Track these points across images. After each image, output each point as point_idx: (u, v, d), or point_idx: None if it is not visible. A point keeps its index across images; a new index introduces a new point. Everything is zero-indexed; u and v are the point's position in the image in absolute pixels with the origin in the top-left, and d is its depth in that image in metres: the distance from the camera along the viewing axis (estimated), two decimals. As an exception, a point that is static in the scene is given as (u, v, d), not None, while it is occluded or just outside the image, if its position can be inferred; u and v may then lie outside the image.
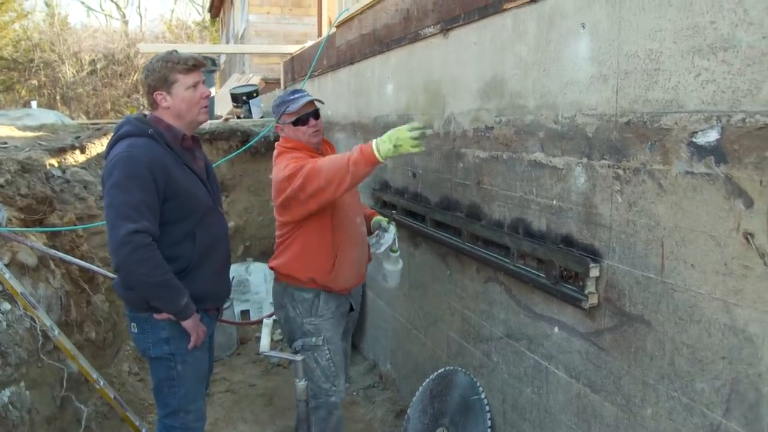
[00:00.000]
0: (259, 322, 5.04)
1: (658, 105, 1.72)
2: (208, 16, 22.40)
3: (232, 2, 14.78)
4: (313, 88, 6.06)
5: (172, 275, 2.32)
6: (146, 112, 2.57)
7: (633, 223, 1.84)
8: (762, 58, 1.43)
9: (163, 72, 2.43)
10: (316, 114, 2.90)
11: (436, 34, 3.15)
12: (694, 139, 1.62)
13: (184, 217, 2.43)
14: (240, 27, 12.66)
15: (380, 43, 4.01)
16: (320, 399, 2.91)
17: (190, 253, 2.45)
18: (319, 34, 7.52)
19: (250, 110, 7.16)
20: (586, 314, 2.06)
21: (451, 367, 3.07)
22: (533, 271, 2.31)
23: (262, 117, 7.11)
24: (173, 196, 2.36)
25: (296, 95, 2.88)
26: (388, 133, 2.44)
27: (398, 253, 3.06)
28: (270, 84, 10.07)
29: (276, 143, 2.95)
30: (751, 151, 1.46)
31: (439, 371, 3.15)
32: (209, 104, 2.63)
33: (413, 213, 3.48)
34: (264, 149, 5.91)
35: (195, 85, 2.47)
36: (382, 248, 2.99)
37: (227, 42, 16.15)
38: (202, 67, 2.54)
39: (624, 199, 1.87)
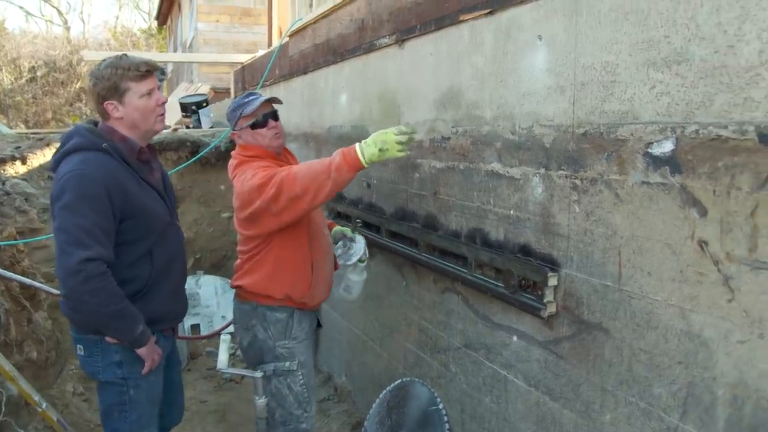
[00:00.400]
0: (214, 335, 4.94)
1: (615, 116, 1.76)
2: (154, 24, 21.98)
3: (180, 10, 14.54)
4: (264, 98, 5.99)
5: (126, 303, 2.17)
6: (96, 121, 2.39)
7: (590, 233, 1.87)
8: (714, 71, 1.47)
9: (114, 80, 2.24)
10: (274, 115, 2.75)
11: (391, 44, 3.16)
12: (649, 150, 1.65)
13: (142, 236, 2.28)
14: (188, 35, 12.46)
15: (334, 53, 4.00)
16: (290, 426, 2.74)
17: (147, 274, 2.31)
18: (270, 44, 7.47)
19: (199, 120, 7.03)
20: (544, 323, 2.08)
21: (409, 378, 3.05)
22: (491, 281, 2.32)
23: (211, 127, 6.99)
24: (131, 215, 2.21)
25: (251, 97, 2.73)
26: (373, 136, 2.33)
27: (365, 263, 3.00)
28: (219, 93, 9.92)
29: (233, 152, 2.77)
30: (705, 161, 1.50)
31: (396, 382, 3.12)
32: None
33: (368, 224, 3.46)
34: (215, 159, 5.80)
35: (150, 93, 2.30)
36: (353, 259, 2.91)
37: (175, 50, 15.87)
38: (157, 71, 2.38)
39: (581, 208, 1.90)
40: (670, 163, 1.59)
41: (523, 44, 2.13)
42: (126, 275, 2.21)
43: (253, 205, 2.45)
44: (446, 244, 2.63)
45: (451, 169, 2.64)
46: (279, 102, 2.80)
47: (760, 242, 1.39)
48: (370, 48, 3.41)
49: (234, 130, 2.75)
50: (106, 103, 2.27)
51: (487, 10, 2.32)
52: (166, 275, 2.39)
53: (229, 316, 5.23)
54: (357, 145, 2.33)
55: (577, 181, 1.91)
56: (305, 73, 4.68)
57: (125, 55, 2.37)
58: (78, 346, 2.35)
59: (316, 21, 4.36)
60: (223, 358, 2.49)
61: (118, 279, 2.15)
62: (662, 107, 1.61)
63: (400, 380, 3.12)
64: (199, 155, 5.46)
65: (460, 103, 2.56)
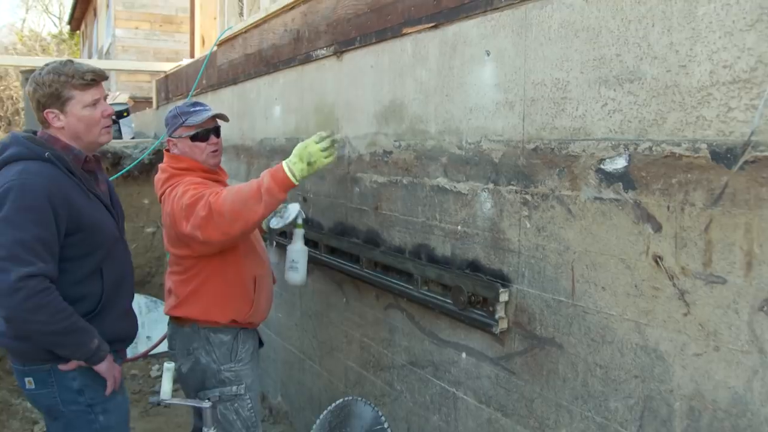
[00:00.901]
0: (147, 354, 4.70)
1: (566, 132, 1.77)
2: (66, 29, 20.99)
3: (95, 15, 13.93)
4: (190, 109, 5.79)
5: (76, 317, 2.01)
6: (35, 130, 2.22)
7: (542, 248, 1.87)
8: (666, 90, 1.50)
9: (55, 87, 2.10)
10: (217, 131, 2.63)
11: (329, 56, 3.10)
12: (602, 166, 1.67)
13: (90, 252, 2.13)
14: (105, 41, 11.94)
15: (267, 63, 3.90)
16: None
17: (97, 292, 2.15)
18: (192, 53, 7.25)
19: (119, 130, 6.72)
20: (495, 339, 2.06)
21: (351, 397, 2.97)
22: (439, 297, 2.29)
23: (133, 137, 6.70)
24: (77, 229, 2.06)
25: (198, 107, 2.58)
26: (296, 150, 2.23)
27: (303, 230, 2.89)
28: (138, 102, 9.54)
29: (161, 165, 2.60)
30: (659, 178, 1.52)
31: (338, 402, 3.04)
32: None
33: (305, 239, 3.37)
34: (137, 172, 5.54)
35: (95, 103, 2.16)
36: (289, 219, 2.80)
37: (90, 57, 15.16)
38: (104, 80, 2.23)
39: (532, 224, 1.90)
40: (624, 179, 1.61)
41: (470, 59, 2.13)
42: (74, 293, 2.05)
43: (181, 227, 2.30)
44: (390, 260, 2.58)
45: (394, 184, 2.60)
46: (226, 119, 2.68)
47: (714, 257, 1.42)
48: (306, 59, 3.34)
49: (171, 136, 2.58)
50: (46, 111, 2.13)
51: (432, 24, 2.30)
52: (117, 293, 2.23)
53: (155, 337, 4.99)
54: (283, 163, 2.22)
55: (528, 197, 1.91)
56: (235, 83, 4.54)
57: (70, 61, 2.20)
58: (25, 379, 2.13)
59: (247, 30, 4.25)
60: (166, 388, 2.26)
61: (66, 298, 1.99)
62: (615, 124, 1.63)
63: (341, 399, 3.03)
64: (127, 168, 5.20)
65: (403, 116, 2.52)
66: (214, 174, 2.61)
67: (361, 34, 2.79)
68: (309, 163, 2.20)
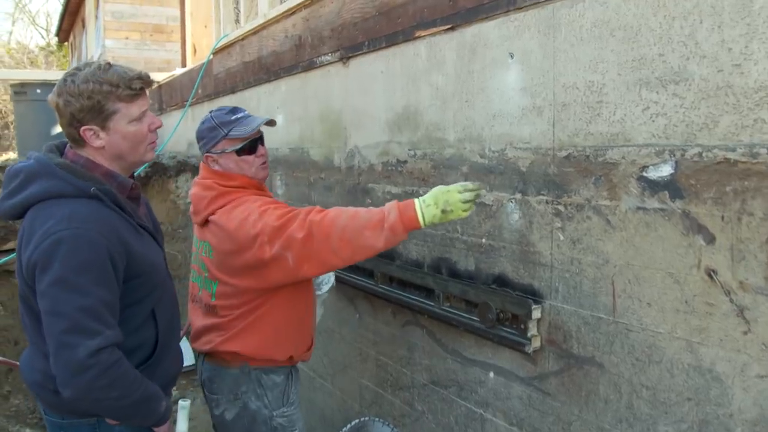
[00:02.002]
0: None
1: (603, 138, 1.66)
2: (54, 41, 20.80)
3: (84, 26, 13.79)
4: (186, 119, 5.68)
5: (146, 383, 1.74)
6: (59, 146, 1.87)
7: (578, 261, 1.76)
8: (717, 92, 1.39)
9: (96, 99, 1.73)
10: (263, 140, 2.28)
11: (334, 62, 2.99)
12: (645, 174, 1.56)
13: (145, 296, 1.83)
14: (95, 52, 11.80)
15: (267, 71, 3.79)
16: None
17: (152, 338, 1.87)
18: (183, 62, 7.13)
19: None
20: (527, 358, 1.95)
21: (368, 417, 2.86)
22: (463, 315, 2.17)
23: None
24: (134, 276, 1.77)
25: (240, 114, 2.21)
26: (434, 193, 1.88)
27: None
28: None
29: (201, 179, 2.24)
30: (710, 186, 1.42)
31: (353, 422, 2.92)
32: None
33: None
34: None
35: (141, 116, 1.81)
36: (325, 288, 2.65)
37: (78, 69, 15.00)
38: (151, 86, 1.90)
39: (566, 236, 1.80)
40: (670, 187, 1.51)
41: (492, 62, 2.02)
42: (129, 345, 1.77)
43: (262, 252, 1.97)
44: (407, 275, 2.47)
45: (410, 195, 2.49)
46: (274, 124, 2.33)
47: (777, 271, 1.32)
48: (310, 66, 3.23)
49: (210, 152, 2.21)
50: (83, 128, 1.75)
51: (448, 26, 2.20)
52: (170, 334, 1.96)
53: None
54: (416, 202, 1.88)
55: (561, 207, 1.81)
56: (233, 92, 4.43)
57: (110, 65, 1.80)
58: None
59: (244, 37, 4.14)
60: (182, 428, 2.03)
61: (123, 352, 1.71)
62: (658, 129, 1.52)
63: (357, 419, 2.92)
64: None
65: (418, 124, 2.42)
66: (264, 191, 2.29)
67: (369, 38, 2.69)
68: (444, 211, 1.86)
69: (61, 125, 1.82)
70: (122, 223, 1.77)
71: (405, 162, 2.51)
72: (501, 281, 2.04)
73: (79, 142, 1.80)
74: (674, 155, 1.49)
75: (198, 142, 2.25)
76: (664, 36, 1.49)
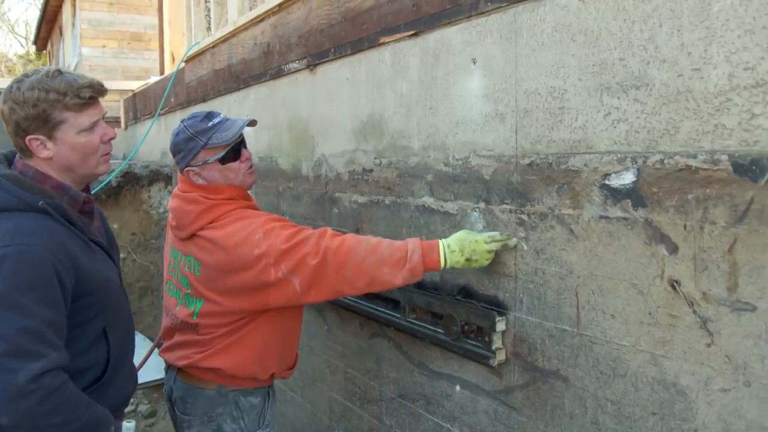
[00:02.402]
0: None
1: (565, 145, 1.61)
2: (33, 49, 20.56)
3: (61, 34, 13.62)
4: (159, 128, 5.59)
5: (93, 407, 1.61)
6: (8, 154, 1.76)
7: (542, 272, 1.71)
8: (678, 97, 1.35)
9: (42, 107, 1.63)
10: (245, 142, 2.12)
11: (302, 69, 2.93)
12: (607, 182, 1.51)
13: (96, 314, 1.71)
14: (72, 61, 11.64)
15: (237, 79, 3.72)
16: None
17: (103, 358, 1.74)
18: (162, 70, 7.04)
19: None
20: (492, 371, 1.89)
21: (336, 431, 2.78)
22: (428, 327, 2.11)
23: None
24: (84, 294, 1.64)
25: (217, 119, 2.03)
26: (460, 240, 1.80)
27: None
28: (107, 123, 9.27)
29: (182, 192, 2.07)
30: (672, 194, 1.37)
31: (322, 437, 2.85)
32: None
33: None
34: (105, 195, 5.29)
35: (92, 126, 1.70)
36: None
37: (55, 78, 14.81)
38: (103, 95, 1.77)
39: (530, 246, 1.74)
40: (632, 195, 1.46)
41: (455, 68, 1.97)
42: (77, 366, 1.64)
43: (266, 275, 1.85)
44: (374, 285, 2.40)
45: (376, 204, 2.43)
46: (255, 124, 2.15)
47: (740, 281, 1.27)
48: (278, 73, 3.17)
49: (190, 166, 2.03)
50: (29, 138, 1.65)
51: (411, 32, 2.14)
52: (123, 354, 1.83)
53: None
54: (441, 245, 1.81)
55: (524, 216, 1.75)
56: (204, 101, 4.35)
57: (59, 71, 1.70)
58: None
59: (215, 45, 4.07)
60: None
61: (69, 373, 1.58)
62: (620, 135, 1.47)
63: (326, 435, 2.84)
64: (96, 189, 4.94)
65: (383, 132, 2.36)
66: (251, 200, 2.16)
67: (335, 45, 2.63)
68: (468, 259, 1.79)
69: (9, 134, 1.71)
70: (72, 239, 1.65)
71: (371, 170, 2.45)
72: (466, 293, 1.98)
73: (27, 152, 1.69)
74: (636, 162, 1.44)
75: (174, 156, 2.08)
76: (624, 40, 1.45)
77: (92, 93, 1.70)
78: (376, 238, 1.89)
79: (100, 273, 1.72)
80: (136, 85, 6.67)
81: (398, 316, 2.25)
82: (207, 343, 2.04)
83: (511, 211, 1.79)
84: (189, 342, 2.08)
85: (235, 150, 2.06)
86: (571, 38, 1.58)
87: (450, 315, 1.96)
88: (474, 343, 1.90)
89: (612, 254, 1.51)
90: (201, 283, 2.01)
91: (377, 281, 1.82)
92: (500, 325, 1.81)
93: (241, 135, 2.09)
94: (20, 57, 23.12)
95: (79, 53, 10.49)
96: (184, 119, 2.08)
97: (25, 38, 25.06)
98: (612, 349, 1.53)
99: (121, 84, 7.43)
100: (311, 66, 2.84)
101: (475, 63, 1.89)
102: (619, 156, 1.48)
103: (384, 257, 1.80)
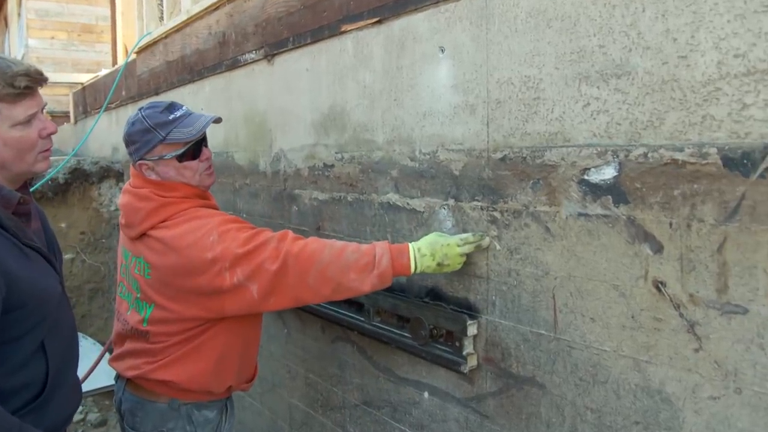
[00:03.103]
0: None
1: (540, 138, 1.51)
2: (-24, 42, 19.66)
3: (6, 25, 13.03)
4: (110, 122, 5.33)
5: (26, 428, 1.42)
6: None
7: (516, 273, 1.60)
8: (663, 86, 1.26)
9: None
10: (206, 140, 1.97)
11: (259, 60, 2.77)
12: (586, 177, 1.41)
13: (32, 327, 1.51)
14: (18, 53, 11.13)
15: (191, 70, 3.53)
16: None
17: (41, 375, 1.55)
18: (114, 63, 6.75)
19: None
20: (463, 377, 1.78)
21: (297, 441, 2.64)
22: (395, 330, 1.99)
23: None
24: (16, 306, 1.45)
25: (178, 112, 1.88)
26: (431, 243, 1.70)
27: None
28: (57, 117, 8.86)
29: (133, 188, 1.92)
30: (657, 189, 1.28)
31: (282, 446, 2.71)
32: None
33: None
34: (52, 193, 5.01)
35: (29, 120, 1.52)
36: None
37: (1, 71, 14.14)
38: (42, 85, 1.58)
39: (503, 245, 1.63)
40: (613, 191, 1.36)
41: (421, 57, 1.85)
42: (12, 384, 1.48)
43: (220, 280, 1.71)
44: (337, 287, 2.26)
45: (337, 201, 2.30)
46: (219, 121, 1.98)
47: (730, 282, 1.18)
48: (234, 64, 3.00)
49: (145, 159, 1.88)
50: None
51: (375, 19, 2.02)
52: (64, 368, 1.64)
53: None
54: (411, 248, 1.71)
55: (497, 214, 1.65)
56: (157, 93, 4.14)
57: None
58: None
59: (168, 35, 3.86)
60: None
61: (3, 392, 1.45)
62: (600, 128, 1.38)
63: (286, 443, 2.70)
64: (34, 187, 4.67)
65: (345, 125, 2.23)
66: (209, 199, 2.01)
67: (294, 34, 2.48)
68: (439, 264, 1.69)
69: None
70: (3, 245, 1.47)
71: (332, 166, 2.31)
72: (434, 295, 1.87)
73: None
74: (617, 156, 1.35)
75: (127, 147, 1.91)
76: (605, 26, 1.35)
77: (28, 82, 1.50)
78: (341, 242, 1.77)
79: (36, 282, 1.53)
80: (85, 78, 6.36)
81: (362, 319, 2.13)
82: (158, 353, 1.88)
83: (482, 209, 1.68)
84: (139, 351, 1.92)
85: (196, 148, 1.91)
86: (546, 24, 1.47)
87: (417, 318, 1.85)
88: (443, 348, 1.79)
89: (592, 254, 1.42)
90: (151, 287, 1.85)
91: (343, 288, 1.70)
92: (472, 329, 1.70)
93: (204, 133, 1.94)
94: (-36, 49, 22.08)
95: (26, 45, 10.02)
96: (142, 107, 1.91)
97: (-30, 30, 23.98)
98: (592, 355, 1.44)
99: (69, 77, 7.10)
100: (269, 56, 2.69)
101: (443, 51, 1.77)
102: (599, 149, 1.38)
103: (350, 262, 1.69)
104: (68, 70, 9.64)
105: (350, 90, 2.18)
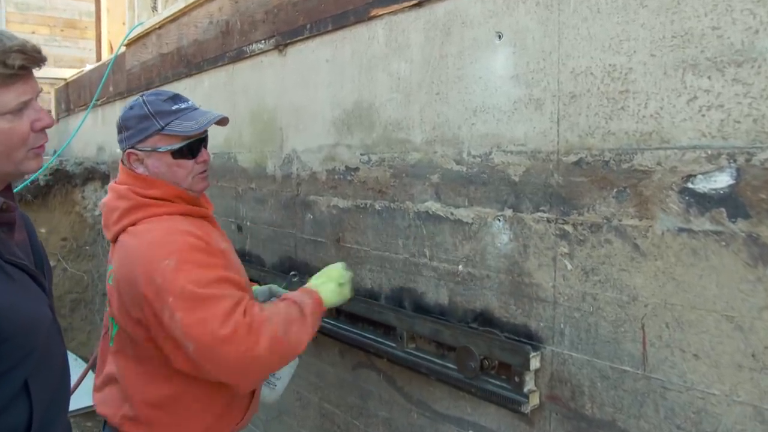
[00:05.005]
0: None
1: (629, 139, 1.30)
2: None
3: (-17, 20, 12.69)
4: (95, 121, 5.07)
5: None
6: None
7: (593, 298, 1.39)
8: (800, 73, 1.05)
9: None
10: (206, 141, 1.79)
11: (269, 50, 2.55)
12: (690, 185, 1.20)
13: (15, 365, 1.23)
14: (-6, 48, 10.81)
15: (188, 63, 3.30)
16: None
17: (24, 420, 1.26)
18: (99, 59, 6.49)
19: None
20: (520, 417, 1.56)
21: (309, 478, 2.41)
22: (435, 360, 1.76)
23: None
24: (1, 339, 1.18)
25: (182, 104, 1.71)
26: (318, 273, 1.83)
27: None
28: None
29: (116, 184, 1.74)
30: (790, 201, 1.07)
31: (291, 483, 2.47)
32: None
33: (244, 276, 2.78)
34: (32, 196, 4.74)
35: (20, 109, 1.26)
36: (279, 387, 2.02)
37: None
38: (39, 66, 1.31)
39: (576, 264, 1.42)
40: (728, 203, 1.15)
41: (472, 44, 1.64)
42: None
43: (160, 314, 1.50)
44: (360, 308, 2.04)
45: (362, 209, 2.07)
46: (226, 123, 1.81)
47: None
48: (239, 56, 2.77)
49: (136, 148, 1.69)
50: None
51: (413, 2, 1.80)
52: (54, 414, 1.36)
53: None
54: (309, 283, 1.79)
55: (568, 227, 1.43)
56: (148, 89, 3.89)
57: None
58: None
59: (162, 25, 3.63)
60: None
61: None
62: (711, 126, 1.17)
63: (296, 480, 2.46)
64: (19, 187, 4.40)
65: (373, 122, 2.00)
66: (198, 206, 1.78)
67: (311, 21, 2.26)
68: (341, 284, 1.79)
69: None
70: None
71: (356, 169, 2.09)
72: (484, 320, 1.65)
73: None
74: (735, 160, 1.13)
75: (119, 133, 1.72)
76: (721, 3, 1.14)
77: (24, 61, 1.24)
78: (270, 306, 1.63)
79: (19, 309, 1.26)
80: (69, 74, 6.10)
81: (393, 345, 1.90)
82: (128, 397, 1.65)
83: (549, 221, 1.47)
84: (113, 385, 1.71)
85: (195, 146, 1.72)
86: (639, 3, 1.26)
87: (465, 347, 1.62)
88: (498, 382, 1.57)
89: (697, 278, 1.20)
90: (114, 300, 1.65)
91: (292, 345, 1.59)
92: (535, 362, 1.48)
93: (206, 132, 1.76)
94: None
95: (5, 39, 9.72)
96: (144, 93, 1.73)
97: (-55, 25, 23.58)
98: (694, 398, 1.22)
99: (51, 71, 6.82)
100: (280, 46, 2.46)
101: (500, 38, 1.56)
102: (709, 152, 1.17)
103: (291, 317, 1.60)
104: (50, 67, 9.36)
105: (380, 83, 1.96)
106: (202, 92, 3.18)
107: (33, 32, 9.96)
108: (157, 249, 1.54)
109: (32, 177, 4.57)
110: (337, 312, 2.20)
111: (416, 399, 1.90)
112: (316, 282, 1.76)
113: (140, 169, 1.70)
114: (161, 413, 1.64)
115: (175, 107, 1.69)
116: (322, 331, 2.22)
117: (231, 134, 2.91)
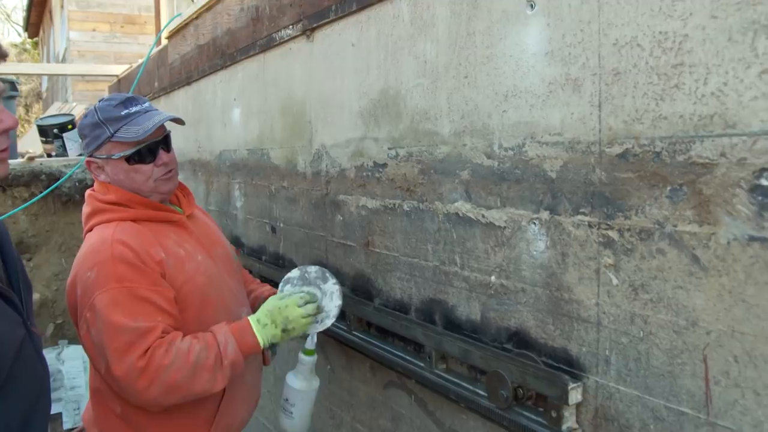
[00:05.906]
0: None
1: (684, 124, 1.08)
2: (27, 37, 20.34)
3: (51, 19, 13.28)
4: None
5: None
6: None
7: (643, 320, 1.18)
8: None
9: None
10: (167, 142, 1.79)
11: (296, 36, 2.42)
12: (764, 182, 0.98)
13: None
14: (60, 47, 11.29)
15: (222, 54, 3.22)
16: None
17: None
18: (155, 54, 6.60)
19: (64, 146, 6.02)
20: (560, 458, 1.36)
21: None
22: (464, 384, 1.59)
23: (80, 155, 6.00)
24: None
25: (134, 107, 1.71)
26: (270, 309, 1.72)
27: (314, 356, 1.97)
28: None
29: (89, 191, 1.80)
30: None
31: None
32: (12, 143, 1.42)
33: (274, 282, 2.67)
34: (79, 195, 4.84)
35: None
36: (317, 328, 1.89)
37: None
38: (2, 60, 1.26)
39: (622, 278, 1.21)
40: (813, 205, 0.92)
41: (501, 18, 1.44)
42: None
43: (82, 323, 1.58)
44: (388, 322, 1.88)
45: (390, 210, 1.91)
46: (181, 122, 1.82)
47: None
48: (268, 44, 2.66)
49: (94, 156, 1.72)
50: None
51: (438, -27, 1.62)
52: None
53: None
54: (251, 322, 1.69)
55: (613, 234, 1.22)
56: (188, 83, 3.86)
57: None
58: None
59: (198, 15, 3.58)
60: None
61: None
62: (789, 105, 0.94)
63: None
64: (48, 190, 4.49)
65: (400, 112, 1.84)
66: (163, 210, 1.78)
67: (337, 1, 2.11)
68: (285, 330, 1.71)
69: None
70: None
71: (384, 165, 1.93)
72: (519, 340, 1.46)
73: None
74: (821, 150, 0.91)
75: (81, 140, 1.77)
76: (801, -56, 0.91)
77: None
78: (189, 343, 1.59)
79: None
80: (120, 70, 6.22)
81: (421, 365, 1.74)
82: (100, 420, 1.75)
83: (591, 226, 1.26)
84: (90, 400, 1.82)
85: (149, 151, 1.74)
86: (696, -47, 1.04)
87: (496, 373, 1.44)
88: (533, 416, 1.38)
89: (772, 300, 0.98)
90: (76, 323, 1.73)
91: (197, 390, 1.58)
92: (574, 395, 1.28)
93: (164, 132, 1.79)
94: (15, 46, 22.92)
95: (67, 38, 10.10)
96: (101, 98, 1.77)
97: (23, 26, 24.90)
98: (771, 454, 1.00)
99: (104, 69, 6.99)
100: (307, 31, 2.33)
101: (532, 7, 1.36)
102: (787, 139, 0.94)
103: (200, 364, 1.56)
104: (110, 64, 9.65)
105: (406, 67, 1.79)
106: (236, 85, 3.10)
107: (94, 29, 10.33)
108: (86, 259, 1.60)
109: (69, 173, 4.64)
110: (367, 325, 2.06)
111: (448, 426, 1.72)
112: (258, 321, 1.69)
113: (102, 177, 1.74)
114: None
115: (124, 112, 1.70)
116: (351, 345, 2.09)
117: (264, 128, 2.81)
